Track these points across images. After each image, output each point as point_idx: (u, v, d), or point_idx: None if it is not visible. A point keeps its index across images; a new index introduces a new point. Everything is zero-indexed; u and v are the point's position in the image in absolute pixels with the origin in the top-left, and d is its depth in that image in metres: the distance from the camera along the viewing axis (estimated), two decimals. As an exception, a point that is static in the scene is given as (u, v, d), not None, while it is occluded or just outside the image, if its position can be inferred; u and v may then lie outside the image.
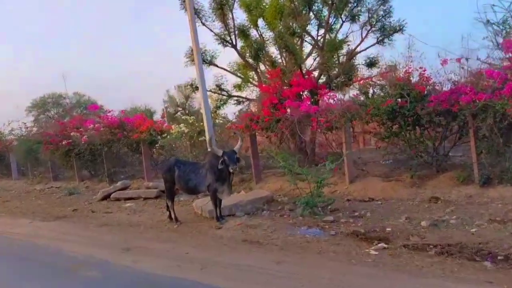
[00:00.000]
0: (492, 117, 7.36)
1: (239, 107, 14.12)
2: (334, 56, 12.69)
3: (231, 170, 7.50)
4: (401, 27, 12.28)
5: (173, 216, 8.28)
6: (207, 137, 11.65)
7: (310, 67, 13.22)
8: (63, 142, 15.92)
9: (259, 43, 13.16)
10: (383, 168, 10.69)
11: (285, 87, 11.49)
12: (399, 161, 10.76)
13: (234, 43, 13.43)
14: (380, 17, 12.04)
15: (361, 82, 9.71)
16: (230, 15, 13.37)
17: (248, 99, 13.79)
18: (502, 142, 7.76)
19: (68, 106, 33.09)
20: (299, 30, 11.81)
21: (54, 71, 56.13)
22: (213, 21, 13.43)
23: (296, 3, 13.19)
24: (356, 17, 12.75)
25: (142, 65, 52.35)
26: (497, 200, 7.47)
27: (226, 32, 13.27)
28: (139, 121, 15.46)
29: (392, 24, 12.00)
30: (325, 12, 13.06)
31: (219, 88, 13.55)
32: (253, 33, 14.20)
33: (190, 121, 13.49)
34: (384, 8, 11.96)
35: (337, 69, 12.79)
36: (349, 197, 9.29)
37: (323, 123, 9.75)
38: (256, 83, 13.89)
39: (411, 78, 8.72)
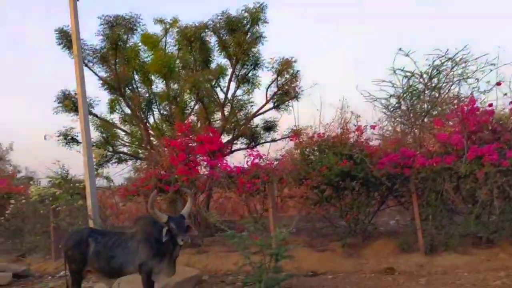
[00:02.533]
0: (448, 181, 7.23)
1: (121, 166, 11.83)
2: (238, 115, 11.85)
3: (180, 242, 5.53)
4: (296, 95, 12.27)
5: (76, 312, 5.73)
6: (89, 201, 9.26)
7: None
8: None
9: (156, 94, 11.56)
10: (303, 237, 9.80)
11: (192, 144, 9.99)
12: (315, 230, 10.10)
13: (122, 91, 11.47)
14: (287, 80, 11.79)
15: (295, 139, 8.87)
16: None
17: (138, 158, 11.67)
18: (446, 208, 7.69)
19: None
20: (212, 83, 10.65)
21: None
22: (97, 64, 11.38)
23: (193, 58, 12.19)
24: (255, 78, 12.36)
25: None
26: (456, 268, 7.18)
27: (113, 78, 11.29)
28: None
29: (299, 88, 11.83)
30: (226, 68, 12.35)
31: (106, 141, 11.18)
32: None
33: (57, 181, 10.66)
34: (292, 71, 11.77)
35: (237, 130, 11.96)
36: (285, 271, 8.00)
37: (249, 186, 8.50)
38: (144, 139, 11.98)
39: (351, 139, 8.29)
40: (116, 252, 5.66)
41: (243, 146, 12.25)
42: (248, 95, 12.23)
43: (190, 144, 9.56)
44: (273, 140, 12.15)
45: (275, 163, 8.59)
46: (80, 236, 5.73)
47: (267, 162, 8.77)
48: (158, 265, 5.69)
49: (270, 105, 12.54)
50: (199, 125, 11.41)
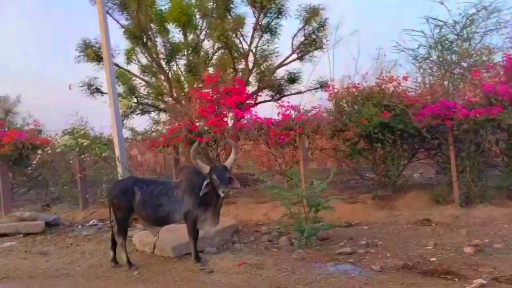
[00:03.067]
0: (491, 132, 7.08)
1: (143, 117, 11.67)
2: (263, 66, 11.52)
3: (221, 194, 5.46)
4: (321, 45, 11.87)
5: (124, 258, 5.76)
6: (117, 152, 9.20)
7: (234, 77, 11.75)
8: None
9: (174, 44, 11.20)
10: (331, 189, 9.77)
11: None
12: (342, 182, 10.08)
13: (145, 40, 11.11)
14: (314, 29, 11.36)
15: (333, 91, 8.62)
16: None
17: (160, 109, 11.48)
18: (483, 161, 7.58)
19: None
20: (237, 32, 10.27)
21: None
22: (117, 12, 10.96)
23: (215, 4, 11.71)
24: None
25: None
26: (494, 220, 7.16)
27: (137, 27, 10.88)
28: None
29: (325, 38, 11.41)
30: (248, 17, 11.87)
31: (132, 92, 10.96)
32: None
33: (82, 132, 10.57)
34: (320, 20, 11.30)
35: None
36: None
37: (283, 137, 8.36)
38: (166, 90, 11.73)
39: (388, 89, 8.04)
40: (163, 201, 5.64)
41: (267, 98, 12.03)
42: (272, 45, 11.82)
43: (218, 95, 9.33)
44: (299, 92, 11.89)
45: (309, 114, 8.38)
46: (126, 185, 5.69)
47: (299, 113, 8.56)
48: (203, 214, 5.71)
49: (294, 55, 12.17)
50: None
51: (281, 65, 11.69)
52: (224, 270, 5.40)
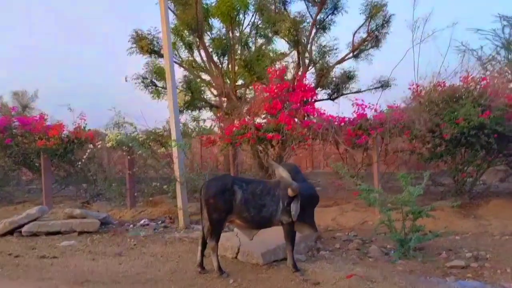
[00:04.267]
0: None
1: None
2: (321, 63, 10.96)
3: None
4: (377, 43, 11.31)
5: (216, 264, 5.20)
6: (175, 149, 8.69)
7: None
8: None
9: (227, 39, 10.69)
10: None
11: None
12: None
13: (200, 33, 10.60)
14: (378, 26, 10.78)
15: (414, 89, 8.01)
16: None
17: (215, 106, 10.96)
18: None
19: None
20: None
21: None
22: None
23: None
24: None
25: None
26: None
27: (194, 19, 10.37)
28: (40, 124, 11.20)
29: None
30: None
31: (188, 87, 10.46)
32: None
33: (134, 125, 10.08)
34: (383, 16, 10.71)
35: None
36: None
37: (365, 138, 7.79)
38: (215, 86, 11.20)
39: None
40: (266, 201, 5.11)
41: (325, 96, 11.47)
42: (331, 41, 11.27)
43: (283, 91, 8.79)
44: (358, 91, 11.31)
45: (386, 114, 7.80)
46: (224, 184, 5.14)
47: (376, 113, 7.99)
48: (301, 215, 5.12)
49: (350, 53, 11.62)
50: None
51: (341, 61, 11.13)
52: (332, 282, 4.83)
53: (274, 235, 5.94)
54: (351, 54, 11.23)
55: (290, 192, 4.76)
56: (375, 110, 8.01)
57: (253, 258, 5.68)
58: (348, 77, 11.56)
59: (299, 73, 10.29)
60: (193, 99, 10.75)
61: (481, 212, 7.85)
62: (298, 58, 9.79)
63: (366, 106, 8.05)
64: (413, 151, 7.95)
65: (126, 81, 10.10)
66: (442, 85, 7.60)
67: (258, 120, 8.82)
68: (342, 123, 8.08)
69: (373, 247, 6.33)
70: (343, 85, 11.23)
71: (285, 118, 8.00)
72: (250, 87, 11.39)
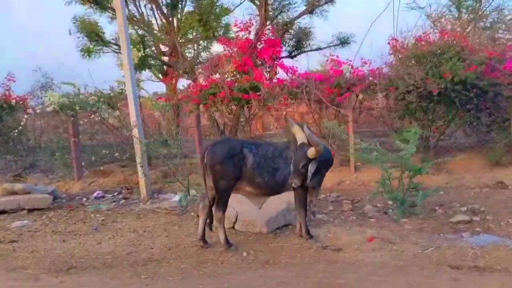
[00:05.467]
0: None
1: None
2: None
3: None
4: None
5: (223, 236, 4.64)
6: (132, 110, 7.84)
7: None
8: None
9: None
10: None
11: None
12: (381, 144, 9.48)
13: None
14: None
15: (394, 44, 7.74)
16: None
17: (167, 64, 9.94)
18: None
19: None
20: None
21: None
22: None
23: None
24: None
25: None
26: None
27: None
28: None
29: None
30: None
31: (141, 41, 9.31)
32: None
33: (77, 87, 8.88)
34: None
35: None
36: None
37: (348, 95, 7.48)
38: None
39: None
40: (279, 164, 4.60)
41: (284, 54, 10.91)
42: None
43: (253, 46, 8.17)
44: (319, 48, 10.93)
45: (365, 71, 7.55)
46: (233, 147, 4.52)
47: (354, 69, 7.70)
48: (314, 179, 4.71)
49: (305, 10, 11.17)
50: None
51: (298, 17, 10.64)
52: (354, 247, 4.54)
53: (269, 201, 5.53)
54: (307, 10, 10.79)
55: (313, 153, 4.28)
56: (352, 67, 7.70)
57: (256, 227, 5.22)
58: (305, 33, 11.14)
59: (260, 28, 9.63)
60: (146, 56, 9.65)
61: (452, 167, 8.02)
62: (265, 9, 9.09)
63: (343, 63, 7.70)
64: (389, 108, 7.82)
65: (70, 34, 8.74)
66: (423, 39, 7.47)
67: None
68: (318, 81, 7.68)
69: (368, 207, 6.16)
70: (303, 42, 10.79)
71: (260, 75, 7.42)
72: (203, 43, 10.55)
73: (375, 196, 5.90)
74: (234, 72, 7.83)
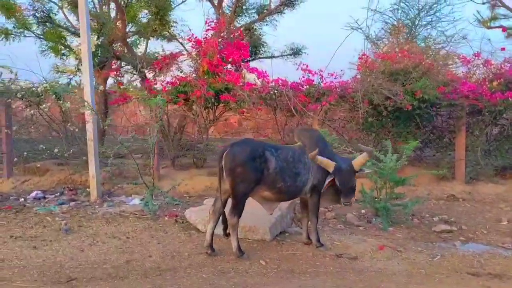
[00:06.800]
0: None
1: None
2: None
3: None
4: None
5: (235, 244, 4.36)
6: (88, 101, 7.17)
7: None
8: None
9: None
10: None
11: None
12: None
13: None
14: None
15: (363, 59, 7.98)
16: None
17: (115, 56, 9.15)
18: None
19: None
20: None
21: None
22: None
23: None
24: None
25: None
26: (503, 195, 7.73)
27: None
28: None
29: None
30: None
31: (100, 29, 8.41)
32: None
33: (15, 72, 7.82)
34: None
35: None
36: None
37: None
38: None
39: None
40: (300, 169, 4.48)
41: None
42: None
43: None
44: (272, 56, 10.93)
45: (335, 82, 7.76)
46: (255, 149, 4.28)
47: (324, 80, 7.86)
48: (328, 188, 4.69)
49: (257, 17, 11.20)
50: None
51: (252, 23, 10.60)
52: (369, 256, 4.58)
53: (259, 206, 5.33)
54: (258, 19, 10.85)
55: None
56: (322, 77, 7.84)
57: (257, 234, 5.01)
58: (260, 41, 11.13)
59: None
60: (110, 43, 8.70)
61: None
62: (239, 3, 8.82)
63: (315, 73, 7.80)
64: (354, 120, 8.07)
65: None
66: (383, 57, 7.91)
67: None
68: (291, 88, 7.70)
69: (349, 215, 6.28)
70: (257, 49, 10.75)
71: (236, 77, 7.23)
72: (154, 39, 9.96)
73: (365, 205, 6.06)
74: (204, 72, 7.51)
